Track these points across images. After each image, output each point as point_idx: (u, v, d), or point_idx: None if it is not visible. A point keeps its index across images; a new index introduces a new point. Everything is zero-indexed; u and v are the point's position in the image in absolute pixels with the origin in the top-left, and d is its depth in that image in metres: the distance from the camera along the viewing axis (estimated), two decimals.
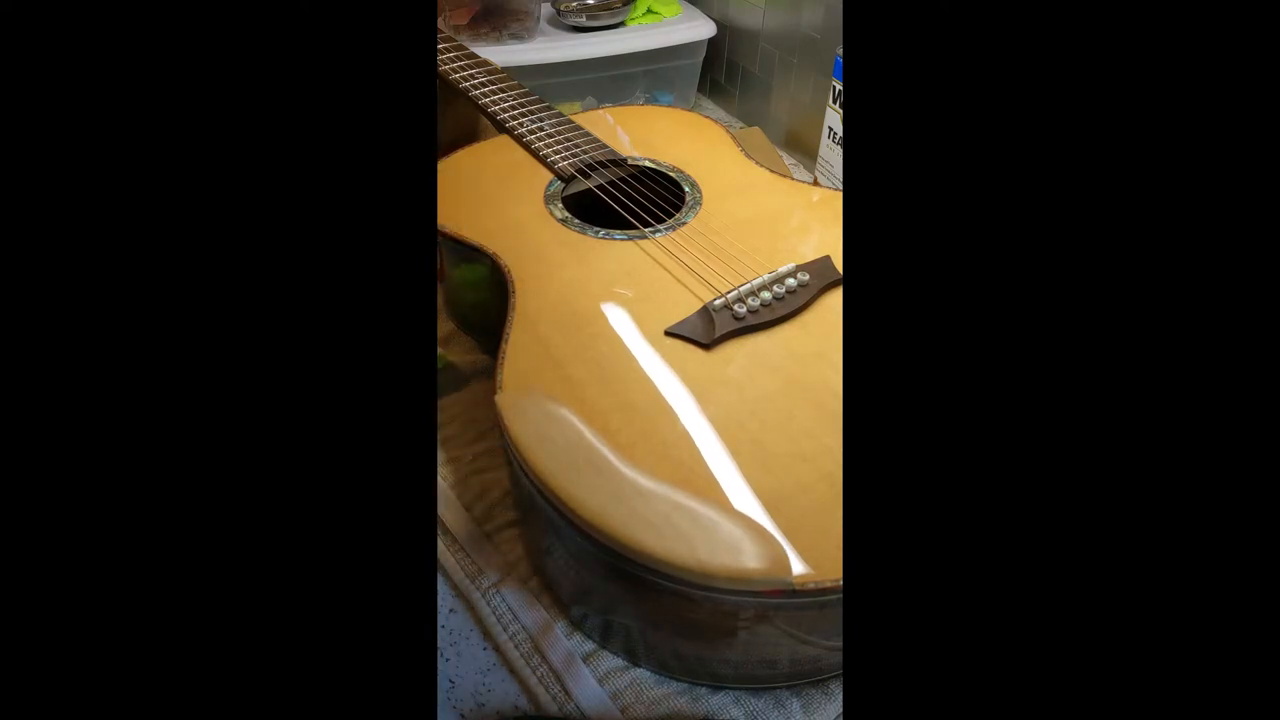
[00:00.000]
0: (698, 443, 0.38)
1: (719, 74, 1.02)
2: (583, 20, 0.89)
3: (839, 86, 0.72)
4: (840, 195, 0.58)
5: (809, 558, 0.34)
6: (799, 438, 0.39)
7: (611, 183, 0.58)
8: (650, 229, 0.53)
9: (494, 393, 0.41)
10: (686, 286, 0.48)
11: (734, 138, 0.65)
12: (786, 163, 0.89)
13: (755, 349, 0.44)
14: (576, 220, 0.54)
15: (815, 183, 0.79)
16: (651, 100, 0.97)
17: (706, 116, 0.68)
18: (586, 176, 0.59)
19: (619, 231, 0.53)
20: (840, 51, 0.72)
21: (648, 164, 0.61)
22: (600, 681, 0.43)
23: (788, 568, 0.33)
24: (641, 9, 0.93)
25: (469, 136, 0.73)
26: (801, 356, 0.44)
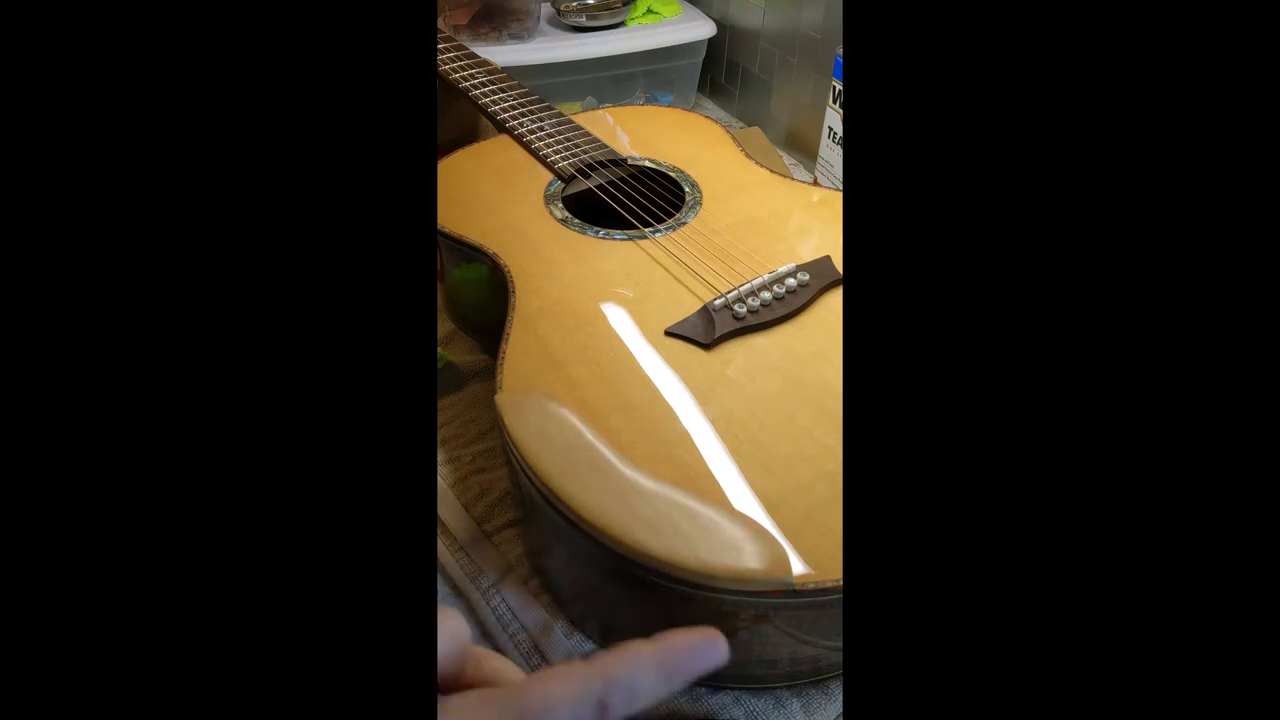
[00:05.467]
0: (698, 442, 0.38)
1: (719, 74, 1.02)
2: (583, 20, 0.89)
3: (839, 86, 0.72)
4: (840, 195, 0.58)
5: (809, 558, 0.34)
6: (799, 438, 0.39)
7: (611, 183, 0.58)
8: (650, 229, 0.53)
9: (494, 393, 0.41)
10: (686, 286, 0.48)
11: (734, 138, 0.65)
12: (786, 163, 0.89)
13: (755, 349, 0.44)
14: (576, 220, 0.54)
15: (815, 183, 0.79)
16: (651, 100, 0.97)
17: (706, 116, 0.68)
18: (586, 176, 0.59)
19: (619, 231, 0.53)
20: (840, 51, 0.72)
21: (648, 164, 0.61)
22: None
23: (788, 568, 0.33)
24: (641, 9, 0.93)
25: (469, 136, 0.73)
26: (801, 356, 0.44)
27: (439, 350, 0.62)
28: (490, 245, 0.51)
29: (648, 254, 0.51)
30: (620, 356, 0.43)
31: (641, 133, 0.65)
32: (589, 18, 0.89)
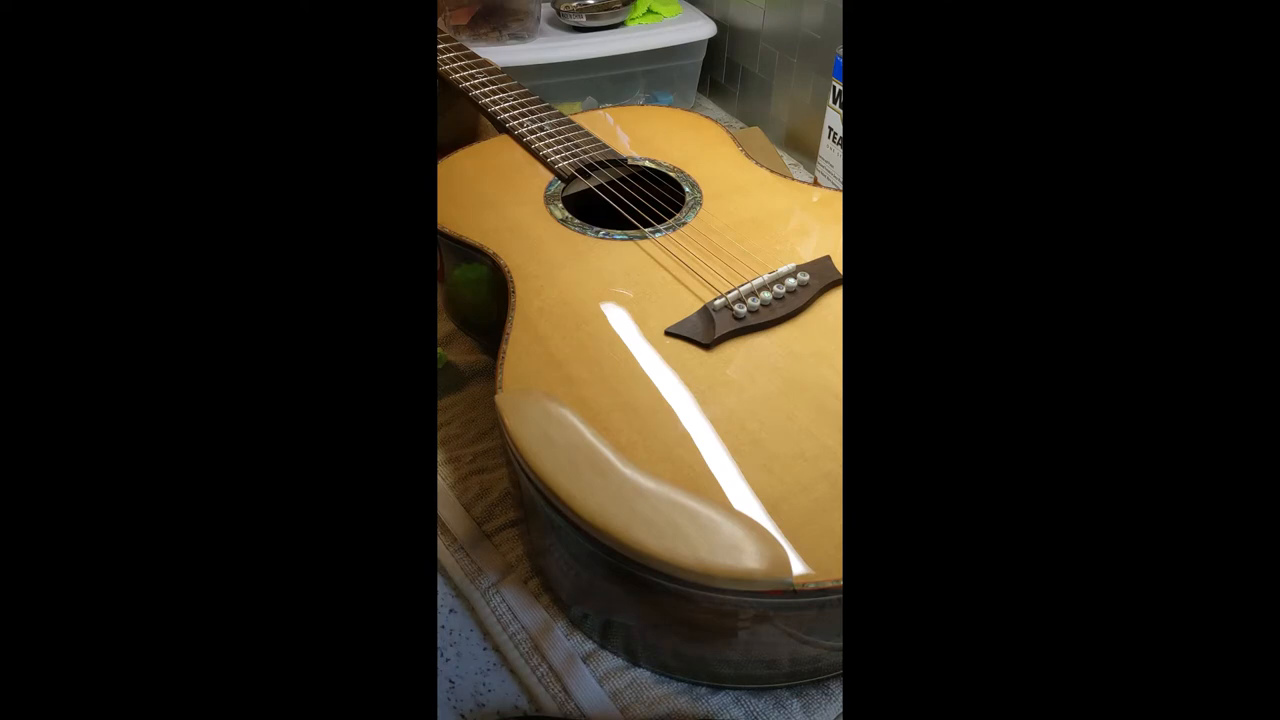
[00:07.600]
0: (698, 442, 0.38)
1: (719, 74, 1.02)
2: (583, 20, 0.89)
3: (839, 86, 0.72)
4: (840, 195, 0.58)
5: (809, 558, 0.34)
6: (799, 438, 0.39)
7: (611, 183, 0.58)
8: (650, 229, 0.53)
9: (494, 393, 0.41)
10: (686, 286, 0.48)
11: (734, 138, 0.65)
12: (786, 163, 0.89)
13: (755, 349, 0.44)
14: (576, 220, 0.54)
15: (815, 183, 0.79)
16: (651, 100, 0.97)
17: (706, 116, 0.68)
18: (586, 176, 0.59)
19: (619, 231, 0.53)
20: (840, 51, 0.72)
21: (648, 164, 0.61)
22: (600, 681, 0.43)
23: (788, 568, 0.33)
24: (641, 9, 0.93)
25: (469, 136, 0.73)
26: (801, 356, 0.44)
27: (439, 350, 0.62)
28: (490, 245, 0.51)
29: (648, 254, 0.51)
30: (620, 356, 0.43)
31: (641, 133, 0.65)
32: (589, 18, 0.89)
